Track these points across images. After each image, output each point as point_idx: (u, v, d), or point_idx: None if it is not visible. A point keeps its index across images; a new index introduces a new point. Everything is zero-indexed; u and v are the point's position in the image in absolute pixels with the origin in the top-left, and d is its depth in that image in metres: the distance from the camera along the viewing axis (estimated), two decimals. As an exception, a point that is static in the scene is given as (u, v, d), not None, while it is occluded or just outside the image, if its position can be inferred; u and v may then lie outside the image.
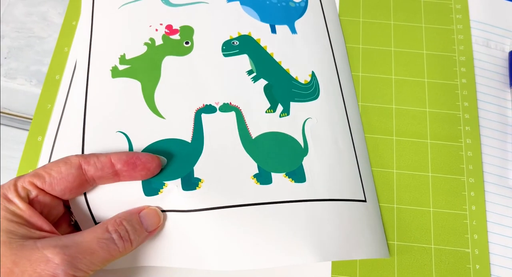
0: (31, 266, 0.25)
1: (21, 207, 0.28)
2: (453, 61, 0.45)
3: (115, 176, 0.32)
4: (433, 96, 0.43)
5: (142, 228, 0.31)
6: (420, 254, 0.37)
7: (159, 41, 0.41)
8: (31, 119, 0.40)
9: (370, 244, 0.35)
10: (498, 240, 0.38)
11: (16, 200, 0.28)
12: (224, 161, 0.36)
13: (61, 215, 0.33)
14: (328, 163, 0.37)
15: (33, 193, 0.29)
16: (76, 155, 0.31)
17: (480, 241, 0.38)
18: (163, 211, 0.34)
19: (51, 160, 0.36)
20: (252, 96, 0.39)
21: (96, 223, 0.33)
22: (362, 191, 0.37)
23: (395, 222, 0.38)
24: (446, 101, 0.43)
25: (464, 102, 0.43)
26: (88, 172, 0.31)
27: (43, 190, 0.30)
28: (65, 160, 0.30)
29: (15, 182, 0.29)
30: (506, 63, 0.45)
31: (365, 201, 0.37)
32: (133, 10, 0.43)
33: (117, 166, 0.31)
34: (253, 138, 0.37)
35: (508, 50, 0.46)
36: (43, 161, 0.38)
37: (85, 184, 0.31)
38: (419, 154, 0.41)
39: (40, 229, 0.28)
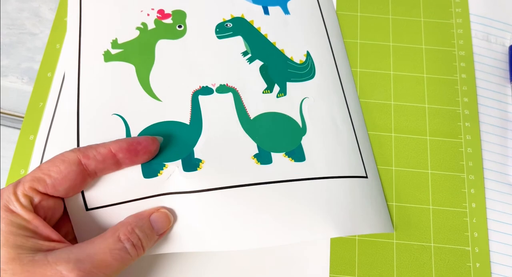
0: None
1: (27, 217, 0.26)
2: (452, 56, 0.44)
3: (117, 165, 0.31)
4: (432, 91, 0.42)
5: (153, 232, 0.30)
6: (419, 253, 0.37)
7: (151, 26, 0.40)
8: (23, 117, 0.40)
9: (374, 219, 0.36)
10: (499, 238, 0.38)
11: (20, 211, 0.26)
12: (224, 142, 0.36)
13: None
14: (327, 141, 0.37)
15: (36, 199, 0.28)
16: (72, 150, 0.30)
17: (480, 239, 0.37)
18: (164, 194, 0.33)
19: (44, 160, 0.36)
20: (248, 77, 0.39)
21: (88, 209, 0.32)
22: (363, 168, 0.38)
23: (394, 220, 0.38)
24: (446, 96, 0.42)
25: (464, 98, 0.42)
26: (89, 166, 0.30)
27: (45, 194, 0.28)
28: (62, 158, 0.29)
29: (14, 190, 0.27)
30: (506, 58, 0.44)
31: (366, 177, 0.37)
32: None
33: (119, 155, 0.31)
34: (251, 118, 0.37)
35: (508, 45, 0.45)
36: (35, 160, 0.38)
37: (87, 178, 0.30)
38: (418, 151, 0.40)
39: (48, 239, 0.27)
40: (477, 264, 0.36)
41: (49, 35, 0.43)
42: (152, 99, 0.37)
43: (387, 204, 0.38)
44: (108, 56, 0.39)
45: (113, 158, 0.30)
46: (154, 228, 0.30)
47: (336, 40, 0.43)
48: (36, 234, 0.26)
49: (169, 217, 0.32)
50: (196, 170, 0.34)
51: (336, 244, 0.37)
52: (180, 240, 0.32)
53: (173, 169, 0.34)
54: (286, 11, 0.43)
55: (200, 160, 0.35)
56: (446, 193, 0.39)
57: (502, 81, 0.43)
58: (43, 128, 0.39)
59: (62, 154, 0.29)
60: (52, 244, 0.26)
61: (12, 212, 0.26)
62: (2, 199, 0.27)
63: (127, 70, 0.38)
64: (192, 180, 0.34)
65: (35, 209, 0.27)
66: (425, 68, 0.43)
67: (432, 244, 0.37)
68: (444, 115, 0.41)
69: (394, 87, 0.42)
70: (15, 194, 0.27)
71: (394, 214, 0.38)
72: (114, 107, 0.36)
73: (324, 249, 0.37)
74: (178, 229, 0.32)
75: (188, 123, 0.36)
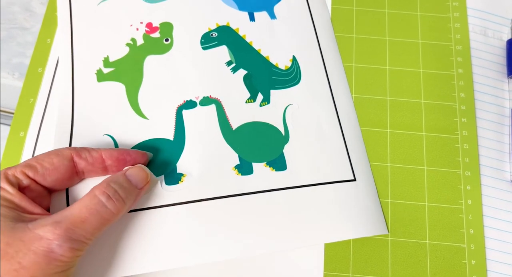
0: (24, 246, 0.25)
1: (11, 191, 0.28)
2: (449, 50, 0.43)
3: (104, 170, 0.33)
4: (428, 87, 0.42)
5: (131, 185, 0.31)
6: (414, 250, 0.36)
7: (140, 41, 0.41)
8: (13, 113, 0.39)
9: (366, 221, 0.36)
10: (495, 235, 0.37)
11: (6, 186, 0.28)
12: (206, 155, 0.36)
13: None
14: (310, 148, 0.38)
15: (25, 182, 0.29)
16: (68, 148, 0.31)
17: (476, 236, 0.37)
18: (145, 208, 0.34)
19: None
20: (232, 87, 0.39)
21: None
22: (351, 171, 0.37)
23: (389, 217, 0.37)
24: (442, 92, 0.42)
25: (461, 93, 0.42)
26: (79, 165, 0.31)
27: (34, 180, 0.30)
28: (57, 152, 0.31)
29: (5, 171, 0.29)
30: (503, 52, 0.44)
31: (354, 180, 0.37)
32: (113, 7, 0.42)
33: (108, 162, 0.32)
34: (233, 129, 0.37)
35: (506, 39, 0.44)
36: (25, 157, 0.37)
37: (74, 176, 0.32)
38: (414, 147, 0.40)
39: (31, 213, 0.28)
40: (472, 261, 0.36)
41: (40, 29, 0.42)
42: (140, 118, 0.38)
43: (382, 202, 0.38)
44: (100, 76, 0.39)
45: (102, 163, 0.32)
46: (132, 182, 0.31)
47: (326, 39, 0.43)
48: (18, 207, 0.28)
49: (144, 170, 0.32)
50: (178, 183, 0.35)
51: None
52: (163, 255, 0.33)
53: (155, 183, 0.35)
54: (273, 16, 0.43)
55: (182, 174, 0.35)
56: (442, 190, 0.38)
57: (500, 76, 0.43)
58: (33, 124, 0.38)
59: (58, 149, 0.31)
60: (35, 216, 0.28)
61: None
62: None
63: (118, 90, 0.39)
64: (172, 193, 0.35)
65: (23, 190, 0.29)
66: (421, 63, 0.43)
67: (427, 241, 0.37)
68: (441, 111, 0.41)
69: (390, 82, 0.42)
70: (5, 173, 0.29)
71: (389, 211, 0.37)
72: (106, 127, 0.37)
73: (318, 246, 0.36)
74: (159, 243, 0.33)
75: (172, 139, 0.37)
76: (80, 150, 0.31)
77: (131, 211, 0.34)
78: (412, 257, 0.36)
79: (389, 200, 0.38)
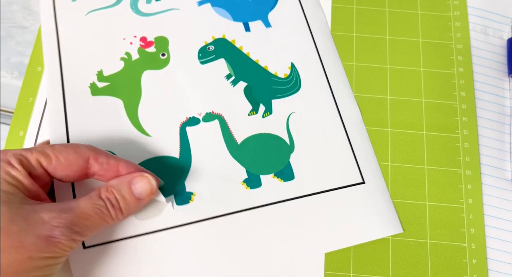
0: (27, 226, 0.26)
1: (23, 174, 0.28)
2: (449, 49, 0.43)
3: (114, 179, 0.32)
4: (429, 86, 0.42)
5: (132, 197, 0.31)
6: (415, 249, 0.36)
7: (135, 55, 0.40)
8: (13, 112, 0.39)
9: (379, 223, 0.36)
10: (496, 234, 0.37)
11: (19, 167, 0.28)
12: (213, 171, 0.36)
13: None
14: (316, 155, 0.38)
15: (38, 171, 0.29)
16: (87, 147, 0.31)
17: (477, 235, 0.37)
18: (159, 230, 0.34)
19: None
20: (233, 101, 0.39)
21: (84, 247, 0.33)
22: (359, 174, 0.37)
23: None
24: (443, 91, 0.42)
25: (461, 92, 0.42)
26: (92, 167, 0.31)
27: (46, 170, 0.30)
28: (76, 149, 0.30)
29: (21, 153, 0.29)
30: (504, 51, 0.44)
31: (363, 182, 0.37)
32: (102, 19, 0.41)
33: (121, 173, 0.32)
34: (238, 143, 0.37)
35: (506, 38, 0.44)
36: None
37: (83, 176, 0.31)
38: (414, 146, 0.39)
39: (36, 198, 0.29)
40: (473, 260, 0.36)
41: (39, 28, 0.42)
42: (142, 135, 0.37)
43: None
44: (95, 90, 0.38)
45: (116, 172, 0.32)
46: (134, 193, 0.31)
47: (324, 42, 0.42)
48: (26, 190, 0.28)
49: (150, 183, 0.32)
50: (188, 202, 0.35)
51: (331, 241, 0.36)
52: (175, 273, 0.33)
53: (165, 205, 0.35)
54: (267, 24, 0.43)
55: (191, 193, 0.35)
56: (442, 189, 0.38)
57: (500, 75, 0.43)
58: (33, 124, 0.38)
59: (77, 145, 0.31)
60: (39, 202, 0.28)
61: (11, 165, 0.28)
62: (6, 154, 0.28)
63: (115, 105, 0.38)
64: (184, 213, 0.35)
65: (33, 177, 0.29)
66: (422, 62, 0.43)
67: (428, 241, 0.37)
68: (441, 110, 0.41)
69: (391, 81, 0.42)
70: (20, 155, 0.29)
71: (390, 210, 0.37)
72: (105, 143, 0.36)
73: (319, 246, 0.36)
74: (172, 263, 0.33)
75: (178, 157, 0.37)
76: (98, 154, 0.31)
77: (145, 234, 0.34)
78: (413, 256, 0.36)
79: (389, 199, 0.38)
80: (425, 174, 0.39)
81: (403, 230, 0.37)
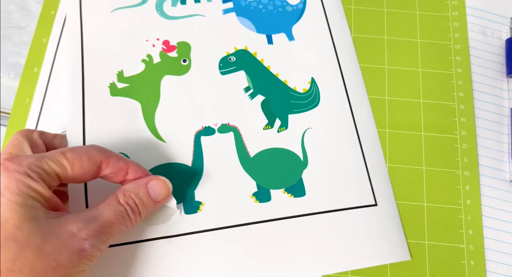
0: (59, 243, 0.25)
1: (43, 186, 0.27)
2: (448, 49, 0.43)
3: (122, 181, 0.32)
4: (427, 86, 0.42)
5: (150, 200, 0.31)
6: (413, 251, 0.36)
7: (156, 59, 0.40)
8: (9, 113, 0.39)
9: (387, 248, 0.35)
10: (494, 235, 0.37)
11: (38, 179, 0.27)
12: (224, 182, 0.36)
13: None
14: (330, 173, 0.37)
15: (54, 183, 0.28)
16: (99, 150, 0.30)
17: (475, 236, 0.37)
18: (165, 237, 0.34)
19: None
20: (249, 114, 0.39)
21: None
22: (372, 195, 0.37)
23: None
24: (441, 91, 0.41)
25: (459, 93, 0.41)
26: (102, 171, 0.30)
27: (60, 178, 0.29)
28: (89, 155, 0.29)
29: (37, 164, 0.27)
30: (503, 51, 0.44)
31: (375, 205, 0.37)
32: (127, 18, 0.41)
33: (129, 176, 0.31)
34: (251, 156, 0.37)
35: (505, 38, 0.44)
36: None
37: (94, 178, 0.31)
38: (412, 147, 0.39)
39: (55, 209, 0.28)
40: (472, 262, 0.36)
41: (35, 29, 0.42)
42: (157, 140, 0.37)
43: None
44: (114, 90, 0.38)
45: (124, 176, 0.31)
46: (151, 195, 0.31)
47: (347, 58, 0.42)
48: (47, 203, 0.27)
49: (167, 185, 0.32)
50: (196, 212, 0.35)
51: (329, 242, 0.36)
52: None
53: (174, 212, 0.35)
54: (291, 37, 0.42)
55: (200, 203, 0.35)
56: (440, 190, 0.38)
57: (499, 75, 0.43)
58: (30, 125, 0.38)
59: (89, 150, 0.30)
60: (59, 213, 0.28)
61: (32, 179, 0.27)
62: (23, 163, 0.27)
63: (133, 107, 0.38)
64: (191, 222, 0.35)
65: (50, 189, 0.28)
66: (420, 62, 0.42)
67: (426, 242, 0.36)
68: (439, 110, 0.41)
69: (389, 81, 0.42)
70: (41, 168, 0.27)
71: (388, 212, 0.37)
72: (119, 144, 0.36)
73: (316, 248, 0.36)
74: (179, 272, 0.33)
75: (190, 165, 0.36)
76: (109, 156, 0.30)
77: (152, 239, 0.34)
78: (411, 257, 0.36)
79: (387, 201, 0.38)
80: (423, 175, 0.38)
81: (411, 257, 0.36)
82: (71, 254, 0.25)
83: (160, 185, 0.32)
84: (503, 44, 0.44)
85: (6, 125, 0.38)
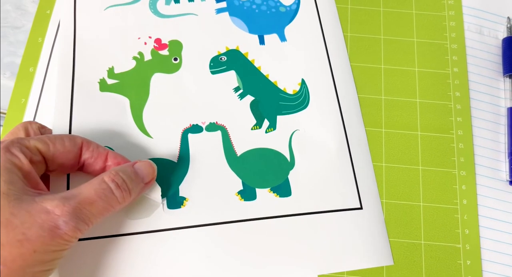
0: (30, 218, 0.25)
1: (23, 161, 0.27)
2: (444, 49, 0.43)
3: (101, 170, 0.32)
4: (423, 86, 0.42)
5: (138, 178, 0.31)
6: (409, 250, 0.36)
7: (147, 56, 0.40)
8: (5, 113, 0.39)
9: (370, 252, 0.35)
10: (490, 235, 0.37)
11: (19, 154, 0.27)
12: (209, 180, 0.36)
13: None
14: (316, 174, 0.37)
15: (37, 157, 0.28)
16: (80, 136, 0.31)
17: (472, 236, 0.37)
18: (146, 232, 0.34)
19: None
20: (238, 114, 0.39)
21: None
22: (358, 199, 0.37)
23: (384, 217, 0.37)
24: (437, 91, 0.41)
25: (456, 92, 0.41)
26: (83, 155, 0.31)
27: (44, 158, 0.29)
28: (70, 137, 0.30)
29: (19, 139, 0.28)
30: (499, 51, 0.44)
31: (361, 208, 0.36)
32: (120, 15, 0.42)
33: (108, 163, 0.32)
34: (238, 155, 0.37)
35: (501, 37, 0.44)
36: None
37: (75, 166, 0.31)
38: (409, 147, 0.39)
39: (35, 187, 0.27)
40: (468, 261, 0.36)
41: (31, 28, 0.42)
42: (143, 135, 0.37)
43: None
44: (104, 86, 0.38)
45: (104, 162, 0.32)
46: (139, 175, 0.31)
47: (339, 61, 0.42)
48: (27, 179, 0.27)
49: (152, 166, 0.33)
50: (180, 207, 0.35)
51: (325, 242, 0.36)
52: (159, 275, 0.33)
53: (158, 205, 0.35)
54: (283, 38, 0.42)
55: (184, 198, 0.35)
56: (437, 190, 0.38)
57: (495, 75, 0.43)
58: (25, 124, 0.38)
59: (71, 135, 0.32)
60: (39, 192, 0.27)
61: (11, 153, 0.27)
62: (5, 142, 0.27)
63: (122, 103, 0.38)
64: (174, 217, 0.34)
65: (33, 164, 0.28)
66: (416, 62, 0.42)
67: (422, 242, 0.36)
68: (436, 110, 0.41)
69: (385, 81, 0.42)
70: (20, 142, 0.28)
71: (384, 211, 0.37)
72: (106, 138, 0.36)
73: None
74: (159, 267, 0.33)
75: (176, 161, 0.36)
76: (89, 142, 0.31)
77: (133, 234, 0.33)
78: (407, 257, 0.36)
79: (384, 200, 0.38)
80: (419, 175, 0.38)
81: (393, 262, 0.36)
82: (42, 229, 0.25)
83: (146, 165, 0.32)
84: (499, 43, 0.44)
85: (1, 125, 0.38)
